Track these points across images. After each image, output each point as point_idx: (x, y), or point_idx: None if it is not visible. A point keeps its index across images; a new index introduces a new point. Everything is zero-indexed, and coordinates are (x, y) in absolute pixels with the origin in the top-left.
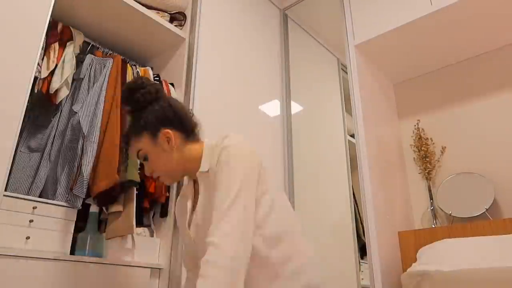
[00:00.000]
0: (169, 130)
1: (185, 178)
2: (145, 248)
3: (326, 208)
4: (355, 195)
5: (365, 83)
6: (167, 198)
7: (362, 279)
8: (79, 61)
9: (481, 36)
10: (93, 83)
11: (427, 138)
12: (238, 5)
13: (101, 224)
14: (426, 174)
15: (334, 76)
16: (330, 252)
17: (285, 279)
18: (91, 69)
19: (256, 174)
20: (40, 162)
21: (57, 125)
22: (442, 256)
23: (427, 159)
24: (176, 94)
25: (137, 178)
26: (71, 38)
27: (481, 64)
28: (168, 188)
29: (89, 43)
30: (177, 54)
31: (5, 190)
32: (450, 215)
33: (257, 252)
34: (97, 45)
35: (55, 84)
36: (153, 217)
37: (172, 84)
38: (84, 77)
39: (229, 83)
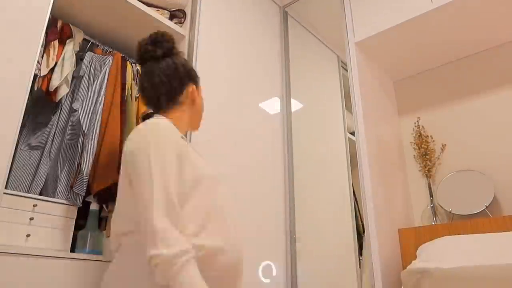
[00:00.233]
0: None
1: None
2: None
3: (326, 206)
4: (355, 193)
5: (365, 80)
6: None
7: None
8: (79, 58)
9: (481, 33)
10: (93, 81)
11: (427, 136)
12: (238, 3)
13: (102, 222)
14: (426, 171)
15: (334, 73)
16: (330, 249)
17: None
18: (91, 66)
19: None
20: (40, 160)
21: (57, 123)
22: (442, 253)
23: (427, 157)
24: None
25: None
26: (70, 36)
27: (481, 62)
28: None
29: (88, 41)
30: None
31: (5, 187)
32: (450, 212)
33: None
34: (97, 43)
35: (55, 81)
36: None
37: None
38: (84, 74)
39: (229, 81)
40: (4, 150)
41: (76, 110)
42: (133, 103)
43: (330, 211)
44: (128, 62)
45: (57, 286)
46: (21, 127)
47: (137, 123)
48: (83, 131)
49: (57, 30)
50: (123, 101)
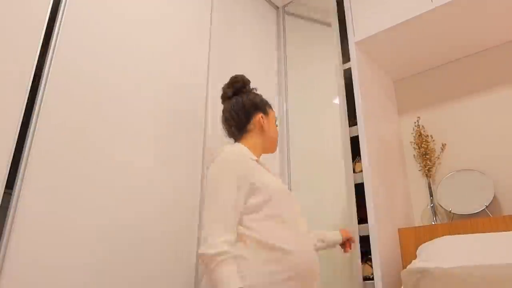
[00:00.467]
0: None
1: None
2: None
3: (325, 205)
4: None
5: (365, 80)
6: None
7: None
8: None
9: (481, 33)
10: None
11: (427, 135)
12: (235, 3)
13: None
14: (426, 171)
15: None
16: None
17: None
18: None
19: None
20: None
21: None
22: (442, 253)
23: (427, 156)
24: None
25: None
26: None
27: (481, 61)
28: None
29: None
30: None
31: (6, 187)
32: (450, 212)
33: None
34: None
35: None
36: None
37: None
38: None
39: (226, 79)
40: (4, 150)
41: None
42: None
43: (330, 210)
44: None
45: None
46: (21, 127)
47: None
48: None
49: None
50: None
